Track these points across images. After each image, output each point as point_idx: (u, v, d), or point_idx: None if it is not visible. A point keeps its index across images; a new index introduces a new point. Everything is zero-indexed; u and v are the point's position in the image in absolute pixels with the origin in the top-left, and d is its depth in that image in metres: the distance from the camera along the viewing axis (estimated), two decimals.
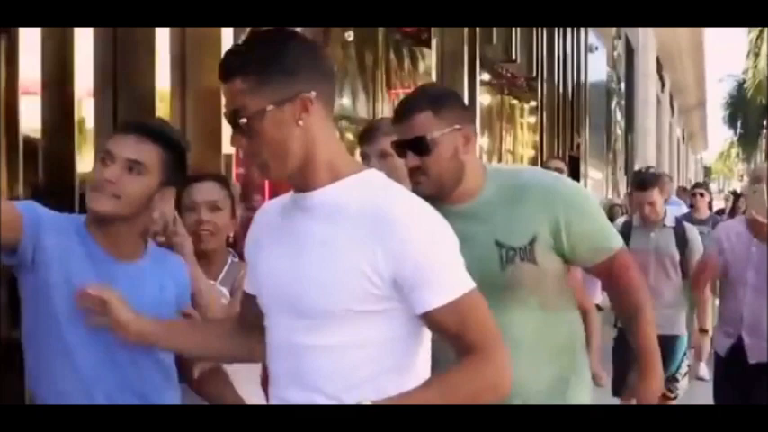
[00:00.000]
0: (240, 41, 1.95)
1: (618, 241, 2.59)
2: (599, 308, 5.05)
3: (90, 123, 3.61)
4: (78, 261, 2.22)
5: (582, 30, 15.43)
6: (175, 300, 2.37)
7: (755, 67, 35.80)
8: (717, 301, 4.97)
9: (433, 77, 8.15)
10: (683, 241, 5.43)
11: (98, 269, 2.23)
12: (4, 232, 2.10)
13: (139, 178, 2.22)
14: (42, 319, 2.20)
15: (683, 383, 5.59)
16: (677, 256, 5.41)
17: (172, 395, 2.34)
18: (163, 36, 3.94)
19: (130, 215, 2.24)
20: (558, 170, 4.90)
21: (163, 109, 3.99)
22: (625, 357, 4.76)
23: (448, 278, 1.79)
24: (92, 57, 3.55)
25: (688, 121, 46.40)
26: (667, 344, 4.93)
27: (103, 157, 2.24)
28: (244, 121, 1.78)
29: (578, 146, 14.97)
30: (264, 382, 2.68)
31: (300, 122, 1.78)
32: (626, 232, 5.28)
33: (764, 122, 38.31)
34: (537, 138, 13.02)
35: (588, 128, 16.06)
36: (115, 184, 2.20)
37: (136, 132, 2.25)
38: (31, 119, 3.26)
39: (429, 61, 8.41)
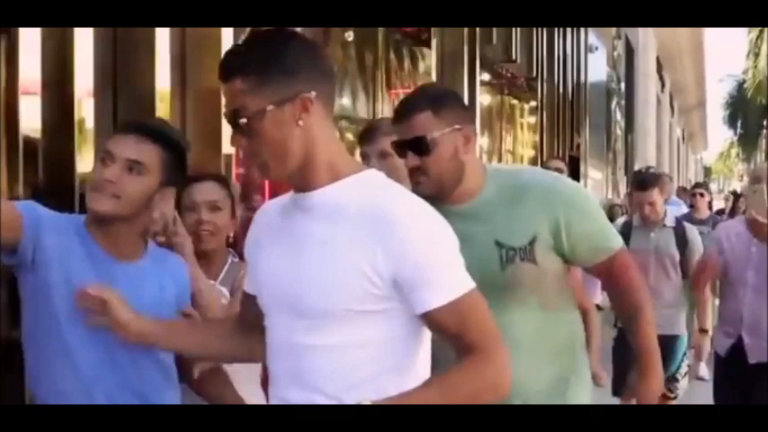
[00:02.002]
0: (240, 41, 1.94)
1: (618, 241, 2.59)
2: (599, 308, 5.05)
3: (90, 123, 3.61)
4: (78, 261, 2.21)
5: (582, 30, 15.43)
6: (175, 300, 2.37)
7: (755, 67, 35.80)
8: (717, 301, 4.97)
9: (433, 77, 8.15)
10: (683, 241, 5.43)
11: (98, 269, 2.23)
12: (4, 232, 2.10)
13: (139, 178, 2.22)
14: (42, 319, 2.20)
15: (683, 383, 5.59)
16: (677, 256, 5.42)
17: (172, 395, 2.34)
18: (163, 36, 3.94)
19: (130, 215, 2.24)
20: (558, 170, 4.90)
21: (163, 109, 3.99)
22: (625, 357, 4.76)
23: (448, 278, 1.79)
24: (92, 57, 3.55)
25: (688, 121, 46.39)
26: (667, 344, 4.93)
27: (103, 157, 2.23)
28: (244, 121, 1.78)
29: (578, 146, 14.97)
30: (264, 382, 2.68)
31: (300, 122, 1.78)
32: (626, 232, 5.28)
33: (764, 122, 38.32)
34: (537, 138, 13.02)
35: (588, 128, 16.06)
36: (115, 184, 2.19)
37: (136, 132, 2.24)
38: (31, 119, 3.26)
39: (429, 61, 8.41)
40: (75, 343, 2.19)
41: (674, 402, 5.49)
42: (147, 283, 2.30)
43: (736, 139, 51.10)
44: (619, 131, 21.57)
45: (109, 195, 2.20)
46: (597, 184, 17.50)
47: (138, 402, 2.23)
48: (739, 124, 47.41)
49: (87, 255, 2.23)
